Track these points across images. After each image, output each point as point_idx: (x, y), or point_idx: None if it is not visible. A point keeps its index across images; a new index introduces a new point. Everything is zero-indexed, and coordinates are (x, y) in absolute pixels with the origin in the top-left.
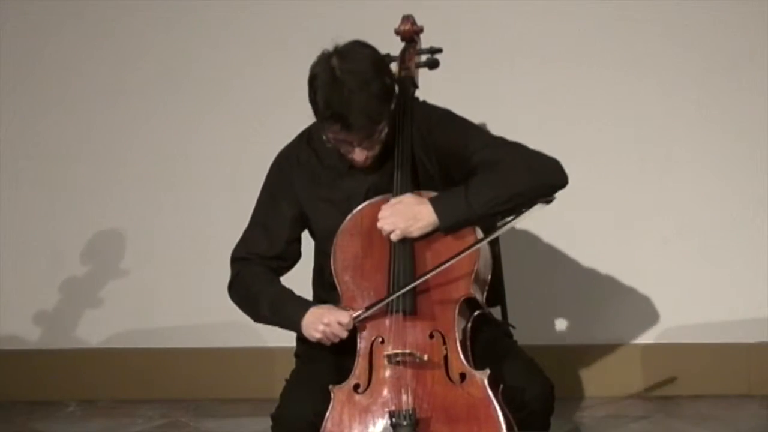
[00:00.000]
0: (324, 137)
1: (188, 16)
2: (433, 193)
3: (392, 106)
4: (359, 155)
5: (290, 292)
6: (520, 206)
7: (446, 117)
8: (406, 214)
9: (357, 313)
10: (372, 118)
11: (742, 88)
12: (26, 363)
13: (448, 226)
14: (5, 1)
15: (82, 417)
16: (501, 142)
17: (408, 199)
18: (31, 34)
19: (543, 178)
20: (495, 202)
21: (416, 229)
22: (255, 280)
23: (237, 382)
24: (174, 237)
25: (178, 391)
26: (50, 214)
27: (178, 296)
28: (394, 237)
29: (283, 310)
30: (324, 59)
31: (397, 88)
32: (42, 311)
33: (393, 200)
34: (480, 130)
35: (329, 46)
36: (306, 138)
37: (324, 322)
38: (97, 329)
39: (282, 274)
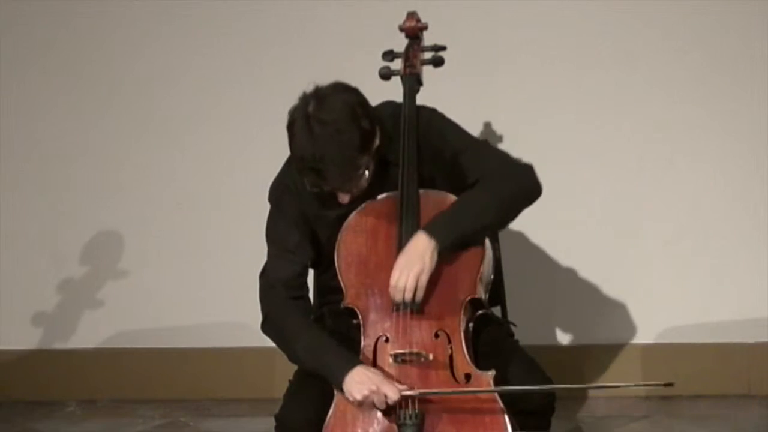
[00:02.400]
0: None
1: (188, 17)
2: (438, 192)
3: (375, 144)
4: (343, 197)
5: (329, 339)
6: (507, 216)
7: (430, 117)
8: (410, 261)
9: (408, 393)
10: (346, 170)
11: (742, 88)
12: (26, 363)
13: (446, 246)
14: (5, 1)
15: (82, 417)
16: (481, 146)
17: (399, 260)
18: (31, 35)
19: (525, 186)
20: (484, 216)
21: (428, 265)
22: (288, 319)
23: (237, 382)
24: (174, 237)
25: (178, 391)
26: (50, 215)
27: (178, 296)
28: (418, 295)
29: (324, 359)
30: (302, 104)
31: (377, 130)
32: (42, 311)
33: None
34: (459, 131)
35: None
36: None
37: (372, 389)
38: (97, 329)
39: (308, 295)
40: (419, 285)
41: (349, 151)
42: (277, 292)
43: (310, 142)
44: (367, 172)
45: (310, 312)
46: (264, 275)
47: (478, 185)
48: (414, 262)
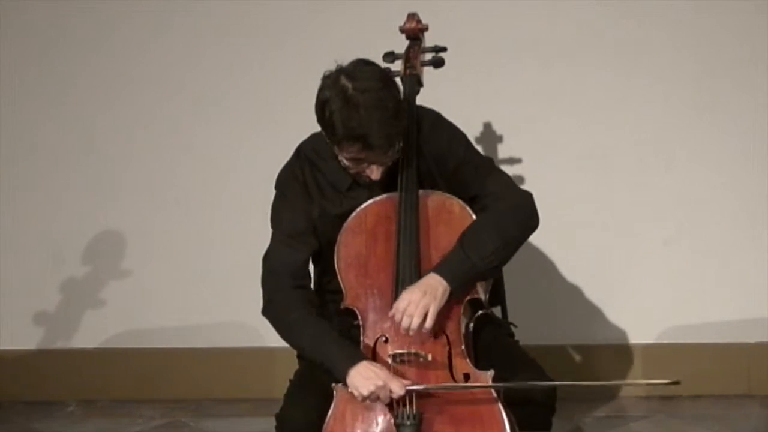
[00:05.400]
0: (339, 157)
1: (189, 16)
2: (438, 192)
3: (405, 121)
4: (376, 173)
5: (334, 332)
6: (512, 254)
7: (437, 121)
8: (421, 291)
9: (412, 388)
10: (391, 136)
11: (741, 89)
12: (26, 363)
13: (458, 287)
14: (5, 1)
15: (82, 417)
16: (485, 164)
17: (408, 290)
18: (31, 34)
19: (528, 222)
20: (493, 256)
21: (438, 299)
22: (293, 309)
23: (237, 382)
24: (174, 237)
25: (178, 391)
26: (50, 214)
27: (178, 296)
28: (427, 324)
29: (329, 353)
30: (332, 81)
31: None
32: (42, 311)
33: (399, 298)
34: (465, 141)
35: (331, 66)
36: (303, 156)
37: (379, 385)
38: (97, 329)
39: (311, 286)
40: (428, 317)
41: (392, 117)
42: (281, 279)
43: (355, 112)
44: (399, 148)
45: (313, 301)
46: (267, 260)
47: (485, 221)
48: (424, 293)
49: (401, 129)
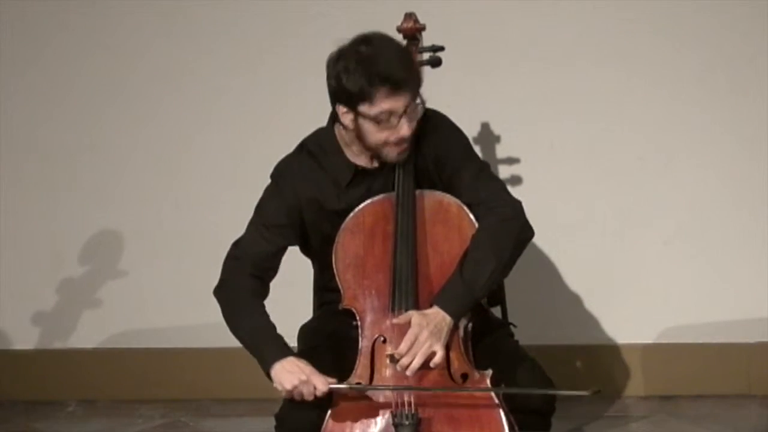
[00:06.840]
0: (367, 119)
1: (189, 16)
2: (435, 192)
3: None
4: (405, 128)
5: (271, 326)
6: (508, 273)
7: (439, 122)
8: (427, 329)
9: (336, 386)
10: (414, 73)
11: (742, 89)
12: (26, 363)
13: (457, 317)
14: (5, 1)
15: (82, 417)
16: (481, 170)
17: (418, 323)
18: (31, 34)
19: (522, 236)
20: (492, 280)
21: (442, 341)
22: (241, 294)
23: (237, 382)
24: (174, 237)
25: (178, 391)
26: (50, 215)
27: (178, 296)
28: (436, 361)
29: (260, 343)
30: (348, 49)
31: None
32: (42, 311)
33: (404, 321)
34: (465, 144)
35: (332, 46)
36: (306, 150)
37: (302, 379)
38: (97, 329)
39: (270, 280)
40: (435, 359)
41: (411, 60)
42: (242, 264)
43: (374, 60)
44: (422, 105)
45: (265, 296)
46: (237, 243)
47: (483, 245)
48: (432, 334)
49: (420, 76)
